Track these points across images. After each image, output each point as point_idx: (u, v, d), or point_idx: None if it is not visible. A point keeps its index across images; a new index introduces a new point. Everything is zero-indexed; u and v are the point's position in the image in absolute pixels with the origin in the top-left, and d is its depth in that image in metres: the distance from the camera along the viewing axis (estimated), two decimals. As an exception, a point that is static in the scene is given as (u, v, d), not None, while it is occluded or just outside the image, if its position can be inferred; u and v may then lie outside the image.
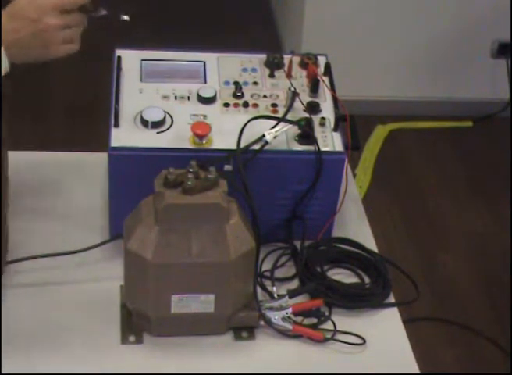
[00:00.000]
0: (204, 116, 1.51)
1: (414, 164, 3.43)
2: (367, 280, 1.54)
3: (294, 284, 1.52)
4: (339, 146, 1.50)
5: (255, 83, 1.60)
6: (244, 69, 1.63)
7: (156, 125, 1.48)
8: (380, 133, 3.57)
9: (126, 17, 1.46)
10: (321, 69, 1.63)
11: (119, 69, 1.57)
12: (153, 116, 1.48)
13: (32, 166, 1.70)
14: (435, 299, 2.77)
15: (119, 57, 1.59)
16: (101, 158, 1.58)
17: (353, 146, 1.52)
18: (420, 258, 2.94)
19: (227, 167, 1.42)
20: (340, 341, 1.41)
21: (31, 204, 1.62)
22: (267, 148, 1.46)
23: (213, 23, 4.11)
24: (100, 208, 1.62)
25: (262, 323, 1.41)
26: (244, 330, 1.42)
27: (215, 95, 1.55)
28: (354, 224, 1.66)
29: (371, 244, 1.61)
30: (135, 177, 1.45)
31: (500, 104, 3.64)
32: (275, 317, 1.41)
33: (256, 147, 1.45)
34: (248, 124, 1.46)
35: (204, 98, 1.54)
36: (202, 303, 1.35)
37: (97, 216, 1.61)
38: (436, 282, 2.84)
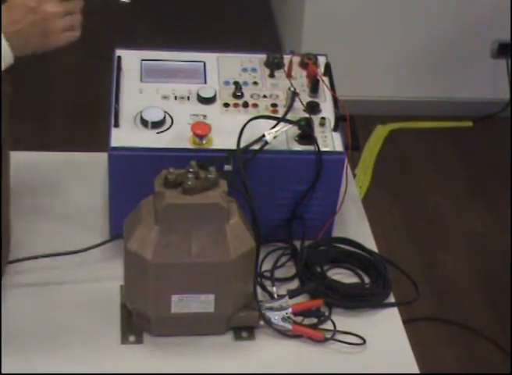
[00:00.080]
0: (204, 116, 1.51)
1: (414, 164, 3.43)
2: (367, 280, 1.54)
3: (294, 284, 1.52)
4: (339, 146, 1.50)
5: (255, 83, 1.60)
6: (244, 69, 1.63)
7: (156, 125, 1.48)
8: (380, 133, 3.57)
9: (125, 0, 1.44)
10: (321, 69, 1.63)
11: (119, 69, 1.57)
12: (153, 116, 1.48)
13: (32, 166, 1.70)
14: (435, 299, 2.77)
15: (119, 57, 1.59)
16: (101, 158, 1.58)
17: (353, 146, 1.52)
18: (420, 258, 2.94)
19: (227, 167, 1.42)
20: (340, 341, 1.41)
21: (31, 204, 1.62)
22: (267, 148, 1.46)
23: (213, 23, 4.10)
24: (100, 208, 1.62)
25: (262, 323, 1.41)
26: (244, 330, 1.42)
27: (215, 95, 1.55)
28: (354, 224, 1.66)
29: (371, 244, 1.61)
30: (135, 177, 1.45)
31: (500, 104, 3.63)
32: (275, 317, 1.41)
33: (256, 147, 1.45)
34: (248, 124, 1.46)
35: (204, 98, 1.54)
36: (202, 303, 1.35)
37: (97, 216, 1.61)
38: (436, 282, 2.84)
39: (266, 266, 1.52)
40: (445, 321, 2.69)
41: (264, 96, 1.57)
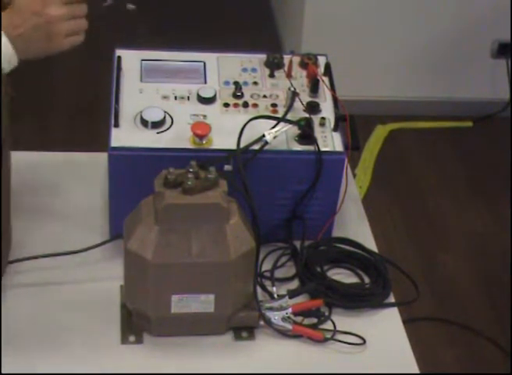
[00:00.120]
0: (204, 116, 1.51)
1: (414, 164, 3.43)
2: (367, 280, 1.54)
3: (294, 284, 1.52)
4: (339, 146, 1.50)
5: (255, 83, 1.60)
6: (244, 69, 1.63)
7: (156, 125, 1.48)
8: (380, 133, 3.57)
9: (132, 6, 1.45)
10: (321, 69, 1.63)
11: (119, 69, 1.57)
12: (153, 116, 1.48)
13: (32, 166, 1.70)
14: (435, 299, 2.77)
15: (119, 57, 1.59)
16: (101, 158, 1.58)
17: (353, 146, 1.52)
18: (420, 258, 2.94)
19: (227, 167, 1.42)
20: (340, 341, 1.41)
21: (31, 204, 1.62)
22: (267, 148, 1.46)
23: (213, 23, 4.11)
24: (100, 208, 1.62)
25: (262, 323, 1.41)
26: (244, 330, 1.42)
27: (215, 95, 1.55)
28: (354, 224, 1.66)
29: (371, 244, 1.61)
30: (135, 177, 1.45)
31: (500, 104, 3.63)
32: (275, 317, 1.41)
33: (256, 147, 1.45)
34: (248, 124, 1.46)
35: (204, 98, 1.54)
36: (202, 303, 1.35)
37: (97, 216, 1.61)
38: (436, 282, 2.84)
39: (266, 266, 1.52)
40: (445, 321, 2.69)
41: (264, 96, 1.57)
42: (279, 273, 1.52)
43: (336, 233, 1.60)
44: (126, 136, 1.46)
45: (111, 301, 1.45)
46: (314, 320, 1.43)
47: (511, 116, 3.54)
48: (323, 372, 1.37)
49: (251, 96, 1.57)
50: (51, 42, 1.35)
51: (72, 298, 1.45)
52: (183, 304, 1.35)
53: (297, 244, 1.56)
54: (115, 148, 1.45)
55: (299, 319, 1.42)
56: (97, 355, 1.36)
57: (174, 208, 1.29)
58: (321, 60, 1.65)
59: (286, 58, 1.64)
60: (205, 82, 1.59)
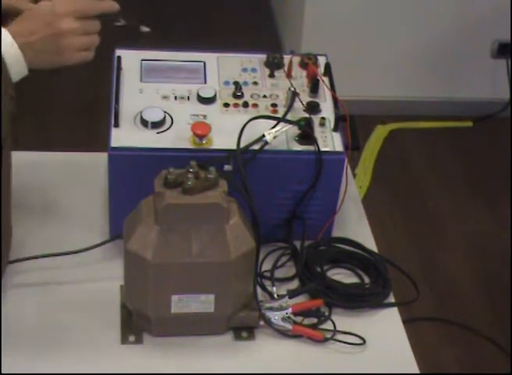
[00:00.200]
0: (204, 116, 1.51)
1: (414, 164, 3.43)
2: (367, 280, 1.54)
3: (294, 284, 1.52)
4: (339, 146, 1.50)
5: (255, 83, 1.60)
6: (244, 69, 1.63)
7: (156, 125, 1.48)
8: (380, 133, 3.57)
9: (146, 29, 1.46)
10: (321, 69, 1.63)
11: (119, 69, 1.57)
12: (153, 116, 1.48)
13: (32, 166, 1.70)
14: (435, 299, 2.77)
15: (119, 57, 1.59)
16: (101, 158, 1.58)
17: (353, 146, 1.52)
18: (420, 258, 2.94)
19: (227, 167, 1.42)
20: (340, 341, 1.41)
21: (31, 204, 1.62)
22: (267, 148, 1.46)
23: (213, 23, 4.10)
24: (100, 208, 1.62)
25: (262, 323, 1.41)
26: (244, 330, 1.42)
27: (215, 95, 1.55)
28: (354, 224, 1.66)
29: (371, 244, 1.61)
30: (135, 177, 1.45)
31: (500, 104, 3.64)
32: (275, 317, 1.41)
33: (256, 147, 1.45)
34: (248, 124, 1.46)
35: (204, 98, 1.54)
36: (202, 303, 1.35)
37: (97, 216, 1.61)
38: (436, 282, 2.84)
39: (266, 266, 1.52)
40: (445, 321, 2.70)
41: (264, 96, 1.57)
42: (279, 273, 1.52)
43: (336, 233, 1.60)
44: (126, 136, 1.46)
45: (111, 301, 1.45)
46: (314, 320, 1.43)
47: (511, 116, 3.54)
48: (323, 372, 1.37)
49: (251, 96, 1.57)
50: (61, 55, 1.36)
51: (72, 298, 1.45)
52: (183, 304, 1.35)
53: (297, 244, 1.56)
54: (115, 148, 1.45)
55: (299, 319, 1.42)
56: (97, 355, 1.37)
57: (174, 208, 1.29)
58: (321, 60, 1.65)
59: (286, 58, 1.64)
60: (205, 82, 1.59)
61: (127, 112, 1.50)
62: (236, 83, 1.58)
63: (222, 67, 1.63)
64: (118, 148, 1.45)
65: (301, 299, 1.46)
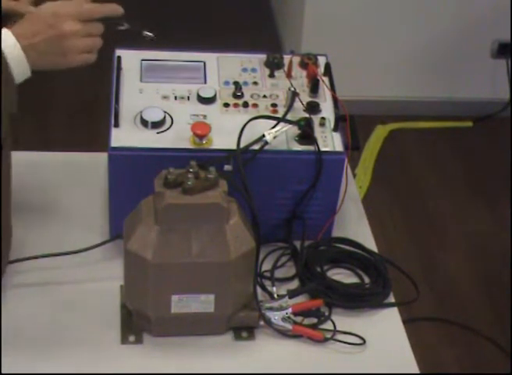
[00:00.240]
0: (204, 116, 1.51)
1: (414, 164, 3.43)
2: (367, 280, 1.54)
3: (294, 284, 1.52)
4: (339, 146, 1.50)
5: (255, 83, 1.60)
6: (244, 69, 1.63)
7: (156, 125, 1.48)
8: (380, 133, 3.57)
9: (149, 34, 1.46)
10: (321, 69, 1.63)
11: (119, 69, 1.57)
12: (153, 116, 1.48)
13: (32, 166, 1.70)
14: (435, 299, 2.77)
15: (119, 57, 1.59)
16: (101, 158, 1.58)
17: (353, 146, 1.52)
18: (420, 258, 2.94)
19: (227, 167, 1.42)
20: (340, 341, 1.41)
21: (31, 204, 1.62)
22: (267, 148, 1.46)
23: (213, 23, 4.10)
24: (100, 208, 1.62)
25: (262, 323, 1.41)
26: (244, 330, 1.42)
27: (215, 95, 1.55)
28: (354, 224, 1.66)
29: (371, 244, 1.61)
30: (135, 177, 1.45)
31: (500, 104, 3.64)
32: (275, 317, 1.41)
33: (256, 147, 1.45)
34: (248, 124, 1.46)
35: (204, 98, 1.54)
36: (202, 303, 1.35)
37: (97, 216, 1.61)
38: (436, 282, 2.84)
39: (266, 266, 1.52)
40: (445, 321, 2.69)
41: (264, 96, 1.57)
42: (279, 273, 1.52)
43: (336, 233, 1.60)
44: (126, 136, 1.46)
45: (111, 301, 1.45)
46: (314, 320, 1.43)
47: (511, 116, 3.54)
48: (323, 372, 1.37)
49: (251, 96, 1.57)
50: (64, 57, 1.37)
51: (72, 298, 1.45)
52: (183, 304, 1.35)
53: (297, 244, 1.56)
54: (115, 148, 1.45)
55: (299, 319, 1.42)
56: (97, 355, 1.37)
57: (174, 208, 1.29)
58: (321, 60, 1.65)
59: (286, 58, 1.64)
60: (205, 82, 1.59)
61: (127, 112, 1.50)
62: (236, 83, 1.58)
63: (222, 67, 1.63)
64: (118, 148, 1.45)
65: (301, 299, 1.46)
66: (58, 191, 1.67)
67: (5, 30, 1.32)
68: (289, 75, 1.61)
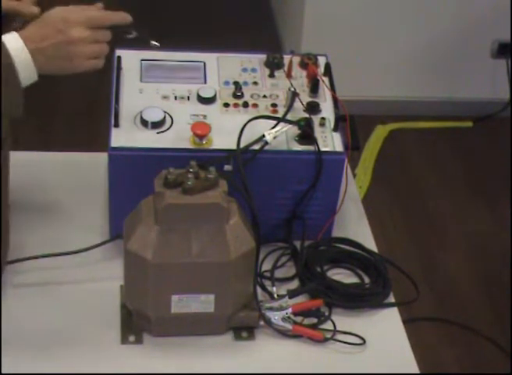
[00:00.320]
0: (204, 116, 1.51)
1: (414, 164, 3.43)
2: (367, 280, 1.54)
3: (294, 284, 1.52)
4: (339, 146, 1.50)
5: (255, 83, 1.60)
6: (244, 69, 1.63)
7: (156, 125, 1.48)
8: (380, 133, 3.57)
9: (157, 44, 1.47)
10: (321, 70, 1.63)
11: (119, 69, 1.57)
12: (153, 116, 1.48)
13: (32, 166, 1.70)
14: (435, 299, 2.77)
15: (119, 57, 1.59)
16: (101, 159, 1.58)
17: (353, 146, 1.52)
18: (420, 258, 2.94)
19: (227, 167, 1.42)
20: (340, 341, 1.41)
21: (31, 204, 1.62)
22: (267, 148, 1.46)
23: (213, 23, 4.10)
24: (100, 208, 1.62)
25: (262, 323, 1.41)
26: (244, 330, 1.42)
27: (215, 95, 1.55)
28: (354, 224, 1.66)
29: (371, 244, 1.61)
30: (135, 177, 1.45)
31: (500, 104, 3.64)
32: (275, 317, 1.41)
33: (256, 147, 1.45)
34: (248, 124, 1.46)
35: (204, 98, 1.54)
36: (202, 303, 1.35)
37: (97, 216, 1.61)
38: (436, 282, 2.84)
39: (266, 266, 1.52)
40: (445, 321, 2.69)
41: (264, 96, 1.57)
42: (279, 273, 1.52)
43: (336, 233, 1.60)
44: (126, 136, 1.46)
45: (111, 301, 1.45)
46: (314, 320, 1.43)
47: (511, 116, 3.54)
48: (323, 372, 1.37)
49: (251, 96, 1.57)
50: (72, 62, 1.38)
51: (72, 298, 1.45)
52: (183, 304, 1.35)
53: (297, 244, 1.56)
54: (115, 148, 1.45)
55: (299, 319, 1.42)
56: (97, 355, 1.37)
57: (174, 208, 1.29)
58: (321, 60, 1.65)
59: (286, 58, 1.64)
60: (205, 82, 1.59)
61: (127, 112, 1.50)
62: (236, 83, 1.58)
63: (222, 67, 1.63)
64: (118, 148, 1.45)
65: (301, 299, 1.46)
66: (58, 191, 1.67)
67: (13, 34, 1.33)
68: (289, 75, 1.61)
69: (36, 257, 1.47)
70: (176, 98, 1.55)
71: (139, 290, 1.35)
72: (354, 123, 1.54)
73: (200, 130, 1.44)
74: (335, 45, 3.08)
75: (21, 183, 1.57)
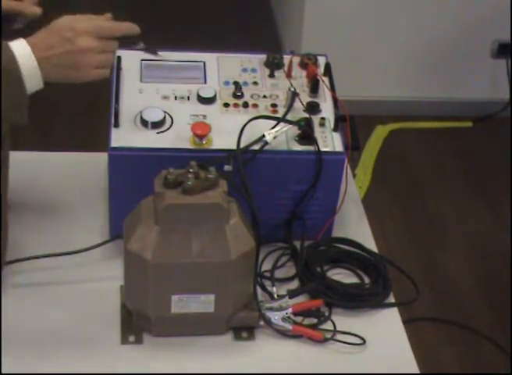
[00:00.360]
0: (204, 116, 1.51)
1: (414, 164, 3.43)
2: (367, 280, 1.54)
3: (294, 284, 1.52)
4: (339, 146, 1.50)
5: (255, 83, 1.60)
6: (244, 70, 1.63)
7: (156, 125, 1.48)
8: (380, 133, 3.57)
9: (160, 54, 1.48)
10: (321, 69, 1.63)
11: (119, 69, 1.57)
12: (153, 116, 1.48)
13: (32, 166, 1.70)
14: (435, 299, 2.77)
15: (119, 57, 1.59)
16: (101, 158, 1.58)
17: (353, 146, 1.52)
18: (420, 258, 2.94)
19: (227, 167, 1.42)
20: (340, 341, 1.41)
21: (31, 204, 1.62)
22: (267, 148, 1.46)
23: (213, 23, 4.10)
24: (100, 208, 1.62)
25: (262, 323, 1.41)
26: (244, 330, 1.42)
27: (215, 95, 1.55)
28: (354, 224, 1.66)
29: (371, 244, 1.61)
30: (135, 177, 1.45)
31: (500, 104, 3.64)
32: (275, 317, 1.41)
33: (256, 147, 1.45)
34: (248, 124, 1.46)
35: (204, 98, 1.54)
36: (202, 303, 1.35)
37: (97, 216, 1.61)
38: (436, 282, 2.84)
39: (266, 266, 1.52)
40: (445, 321, 2.69)
41: (264, 96, 1.57)
42: (279, 273, 1.52)
43: (336, 233, 1.60)
44: (126, 136, 1.46)
45: (111, 301, 1.45)
46: (314, 320, 1.43)
47: (511, 116, 3.54)
48: (323, 372, 1.37)
49: (251, 96, 1.57)
50: (78, 72, 1.38)
51: (72, 298, 1.45)
52: (183, 304, 1.35)
53: (297, 244, 1.56)
54: (115, 148, 1.45)
55: (299, 319, 1.42)
56: (97, 355, 1.36)
57: (174, 208, 1.29)
58: (321, 60, 1.65)
59: (286, 58, 1.64)
60: (205, 82, 1.59)
61: (127, 112, 1.50)
62: (236, 84, 1.58)
63: (222, 67, 1.63)
64: (118, 148, 1.45)
65: (301, 299, 1.46)
66: (58, 190, 1.67)
67: (21, 40, 1.33)
68: (289, 75, 1.61)
69: (36, 257, 1.47)
70: (176, 98, 1.55)
71: (139, 290, 1.35)
72: (354, 123, 1.54)
73: (200, 130, 1.44)
74: (335, 45, 3.09)
75: (21, 183, 1.57)
